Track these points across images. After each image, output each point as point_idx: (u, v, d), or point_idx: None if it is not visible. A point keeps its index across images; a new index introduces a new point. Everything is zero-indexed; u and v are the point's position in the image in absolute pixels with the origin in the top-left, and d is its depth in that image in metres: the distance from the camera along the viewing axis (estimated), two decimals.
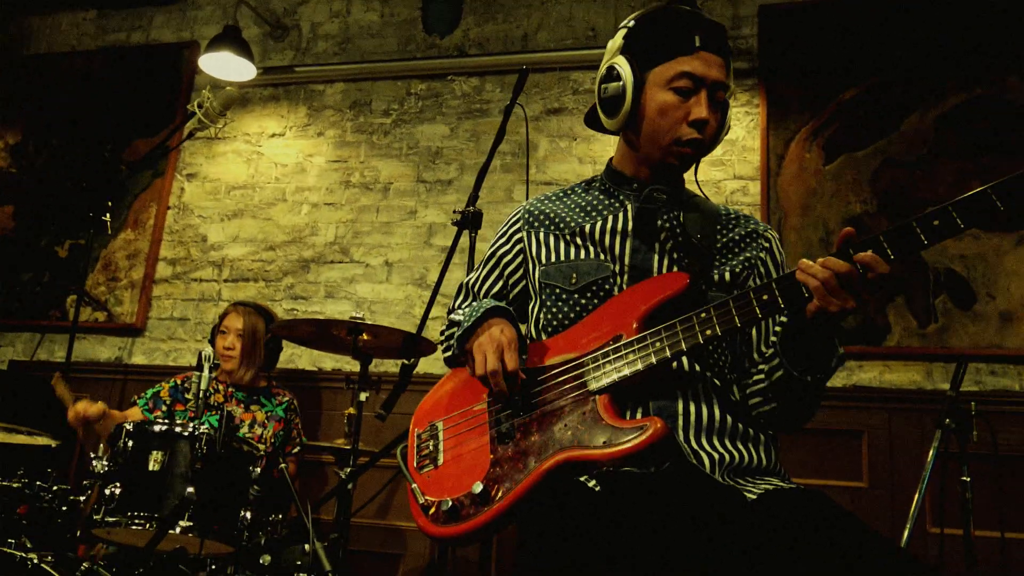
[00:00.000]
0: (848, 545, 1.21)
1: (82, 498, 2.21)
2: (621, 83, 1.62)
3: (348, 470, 2.53)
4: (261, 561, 2.17)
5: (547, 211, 1.77)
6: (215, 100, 3.14)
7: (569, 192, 1.82)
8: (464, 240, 3.77)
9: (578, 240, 1.68)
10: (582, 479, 1.43)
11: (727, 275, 1.60)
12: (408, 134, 4.04)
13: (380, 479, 3.24)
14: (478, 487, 1.46)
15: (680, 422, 1.46)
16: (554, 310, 1.65)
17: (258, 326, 3.32)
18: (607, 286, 1.61)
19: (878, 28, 3.53)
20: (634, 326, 1.52)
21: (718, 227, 1.67)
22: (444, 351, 1.80)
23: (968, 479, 2.36)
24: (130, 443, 2.19)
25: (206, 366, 2.24)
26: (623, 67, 1.62)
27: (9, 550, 2.10)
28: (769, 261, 1.66)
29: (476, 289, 1.83)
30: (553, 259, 1.69)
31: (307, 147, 4.18)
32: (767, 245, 1.67)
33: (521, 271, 1.77)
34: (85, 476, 2.25)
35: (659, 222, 1.64)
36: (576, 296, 1.63)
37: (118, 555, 2.58)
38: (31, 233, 4.46)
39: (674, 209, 1.66)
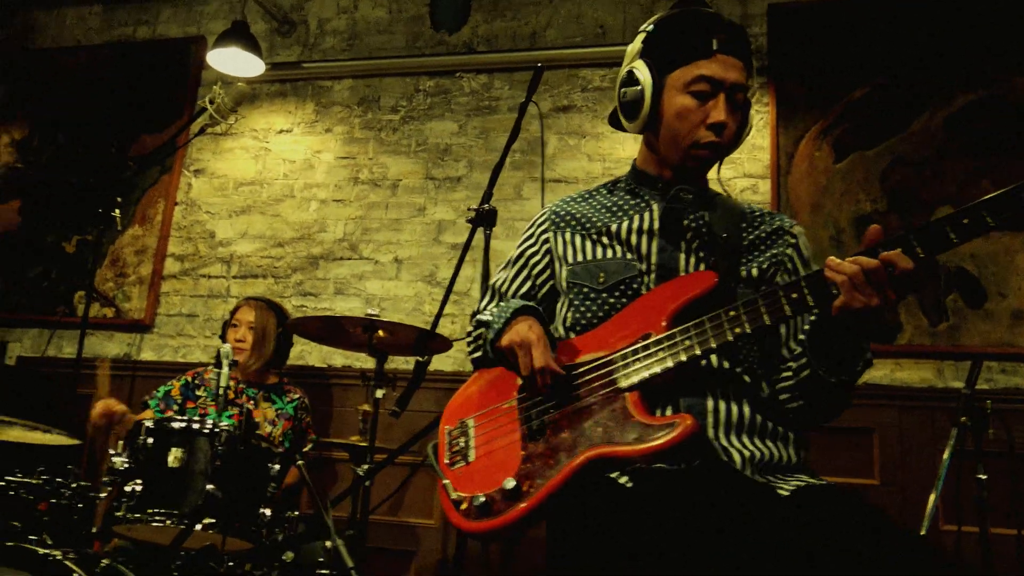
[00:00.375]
0: (882, 542, 1.23)
1: (102, 495, 2.21)
2: (640, 87, 1.64)
3: (366, 467, 2.54)
4: (284, 558, 2.18)
5: (573, 211, 1.79)
6: (226, 95, 3.13)
7: (594, 193, 1.84)
8: (476, 237, 3.78)
9: (605, 240, 1.70)
10: (612, 476, 1.45)
11: (754, 272, 1.61)
12: (417, 131, 4.05)
13: (393, 475, 3.24)
14: (510, 483, 1.48)
15: (710, 419, 1.48)
16: (582, 309, 1.67)
17: (269, 320, 3.33)
18: (635, 285, 1.63)
19: (887, 27, 3.54)
20: (663, 324, 1.53)
21: (743, 225, 1.69)
22: (471, 352, 1.81)
23: (984, 477, 2.38)
24: (150, 440, 2.19)
25: (225, 363, 2.25)
26: (642, 71, 1.65)
27: (31, 546, 2.10)
28: (796, 257, 1.68)
29: (504, 290, 1.84)
30: (580, 258, 1.71)
31: (315, 143, 4.18)
32: (793, 241, 1.69)
33: (549, 271, 1.79)
34: (100, 473, 2.26)
35: (685, 221, 1.65)
36: (604, 295, 1.65)
37: (130, 550, 2.59)
38: (38, 229, 4.45)
39: (699, 208, 1.68)
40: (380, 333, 2.72)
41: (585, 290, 1.67)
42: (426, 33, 4.16)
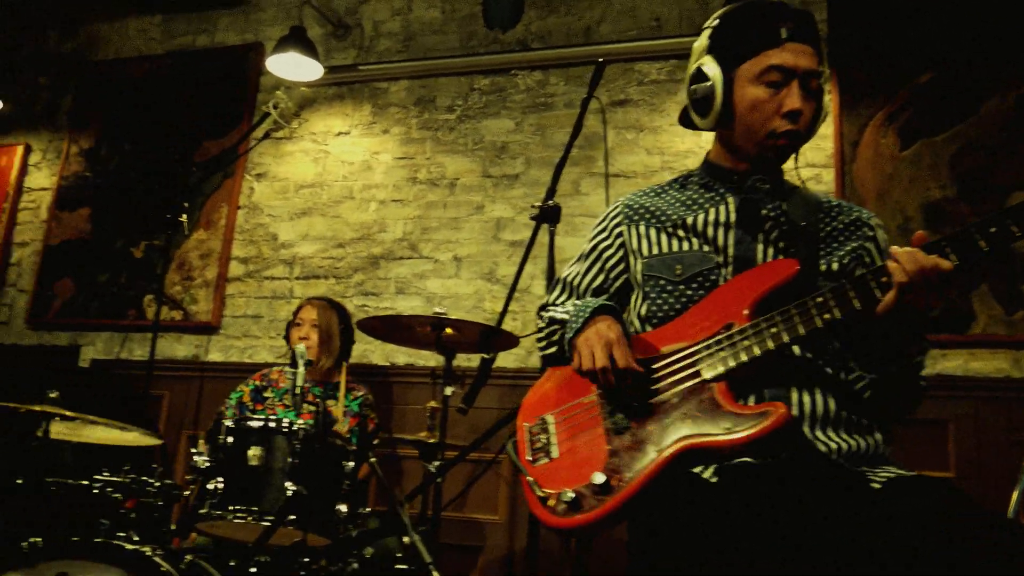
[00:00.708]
0: (986, 533, 1.21)
1: (186, 492, 2.28)
2: (710, 83, 1.63)
3: (437, 463, 2.56)
4: (364, 554, 2.21)
5: (646, 205, 1.79)
6: (289, 100, 3.19)
7: (665, 188, 1.84)
8: (528, 233, 3.78)
9: (680, 232, 1.69)
10: (696, 471, 1.44)
11: (834, 266, 1.59)
12: (473, 129, 4.07)
13: (457, 471, 3.28)
14: (599, 477, 1.47)
15: (795, 411, 1.46)
16: (659, 302, 1.66)
17: (332, 318, 3.40)
18: (712, 276, 1.62)
19: (951, 9, 3.46)
20: (744, 314, 1.52)
21: (821, 215, 1.67)
22: (544, 349, 1.81)
23: None
24: (230, 439, 2.25)
25: (301, 363, 2.29)
26: (711, 67, 1.64)
27: (120, 543, 2.17)
28: (875, 251, 1.66)
29: (576, 284, 1.84)
30: (656, 251, 1.70)
31: (373, 145, 4.23)
32: (871, 234, 1.67)
33: (623, 264, 1.79)
34: (173, 472, 2.33)
35: (763, 211, 1.64)
36: (681, 287, 1.64)
37: (208, 546, 2.66)
38: (107, 235, 4.58)
39: (776, 199, 1.66)
40: (448, 331, 2.74)
41: (662, 282, 1.67)
42: (480, 32, 4.18)
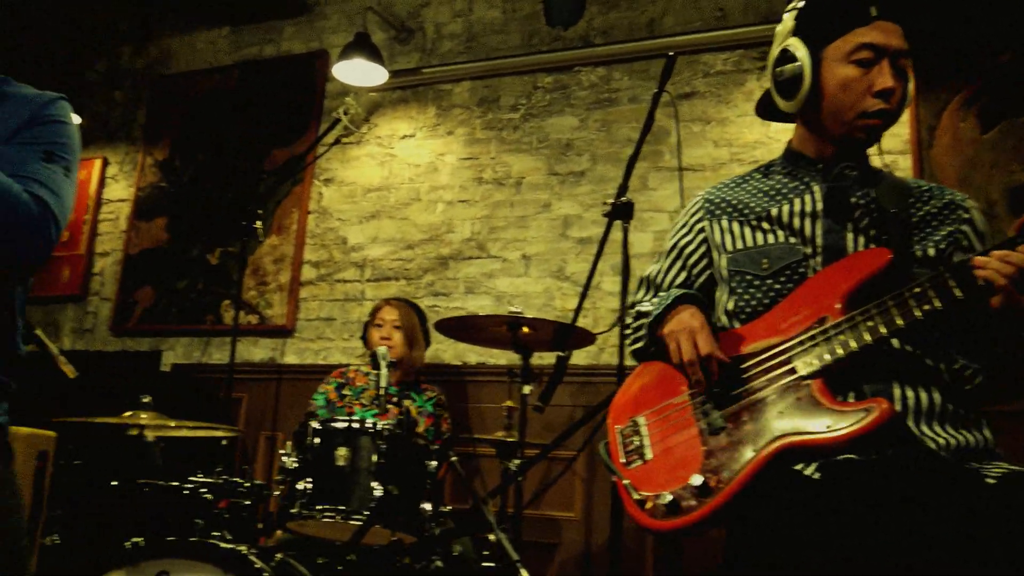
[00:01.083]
0: None
1: (275, 493, 2.34)
2: (798, 64, 1.62)
3: (517, 462, 2.58)
4: (453, 551, 2.24)
5: (728, 198, 1.77)
6: (359, 106, 3.24)
7: (747, 178, 1.81)
8: (596, 230, 3.78)
9: (765, 225, 1.67)
10: (798, 468, 1.42)
11: (930, 251, 1.55)
12: (538, 128, 4.08)
13: (533, 469, 3.29)
14: (697, 479, 1.47)
15: (898, 407, 1.43)
16: (746, 297, 1.65)
17: (413, 317, 3.44)
18: (801, 269, 1.60)
19: None
20: (837, 307, 1.50)
21: (911, 200, 1.64)
22: (631, 344, 1.82)
23: None
24: (316, 440, 2.30)
25: (383, 364, 2.33)
26: (798, 48, 1.62)
27: (216, 542, 2.24)
28: (972, 233, 1.61)
29: (659, 282, 1.84)
30: (740, 246, 1.69)
31: (438, 146, 4.27)
32: (967, 217, 1.62)
33: (705, 261, 1.77)
34: (263, 471, 2.39)
35: (852, 199, 1.61)
36: (769, 281, 1.62)
37: (296, 544, 2.72)
38: (183, 243, 4.72)
39: (864, 185, 1.64)
40: (524, 330, 2.76)
41: (748, 277, 1.65)
42: (542, 30, 4.19)
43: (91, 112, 5.17)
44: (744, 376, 1.56)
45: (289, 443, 2.37)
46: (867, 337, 1.42)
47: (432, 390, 3.45)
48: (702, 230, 1.78)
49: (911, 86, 1.66)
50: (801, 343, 1.50)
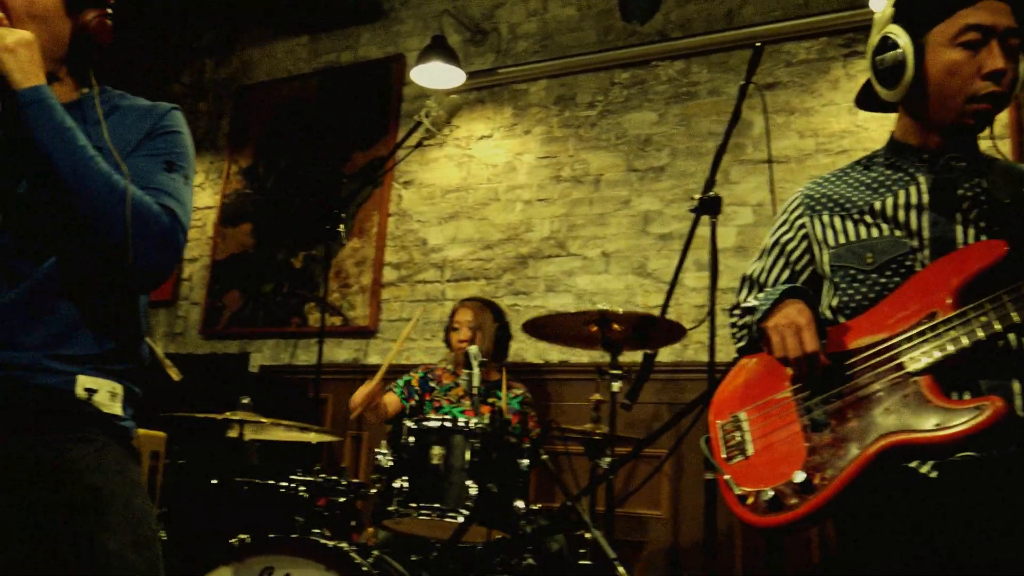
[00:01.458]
0: None
1: (372, 491, 2.38)
2: (900, 51, 1.57)
3: (607, 460, 2.58)
4: (550, 547, 2.26)
5: (828, 193, 1.73)
6: (441, 108, 3.27)
7: (848, 171, 1.77)
8: (677, 225, 3.74)
9: (868, 218, 1.63)
10: (912, 466, 1.39)
11: None
12: (615, 124, 4.06)
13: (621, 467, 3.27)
14: (799, 476, 1.45)
15: (1018, 402, 1.38)
16: (850, 292, 1.62)
17: (486, 317, 3.47)
18: (907, 263, 1.55)
19: None
20: (948, 301, 1.45)
21: None
22: (737, 342, 1.80)
23: None
24: (411, 439, 2.34)
25: (475, 363, 2.36)
26: (899, 35, 1.57)
27: (317, 539, 2.30)
28: None
29: (762, 281, 1.81)
30: (843, 240, 1.65)
31: (515, 146, 4.28)
32: None
33: (808, 257, 1.74)
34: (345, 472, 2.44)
35: (960, 190, 1.56)
36: (874, 276, 1.58)
37: (390, 542, 2.78)
38: (268, 248, 4.85)
39: (974, 175, 1.58)
40: (615, 326, 2.75)
41: (852, 272, 1.62)
42: (617, 26, 4.16)
43: None
44: (849, 372, 1.53)
45: (384, 442, 2.41)
46: (980, 333, 1.38)
47: (518, 388, 3.47)
48: (803, 226, 1.75)
49: (1022, 67, 1.60)
50: (909, 339, 1.46)
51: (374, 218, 4.55)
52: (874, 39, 1.65)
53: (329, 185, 4.74)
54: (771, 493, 1.48)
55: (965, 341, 1.39)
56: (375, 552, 2.40)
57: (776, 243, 1.80)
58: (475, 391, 2.33)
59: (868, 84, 1.72)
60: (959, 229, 1.54)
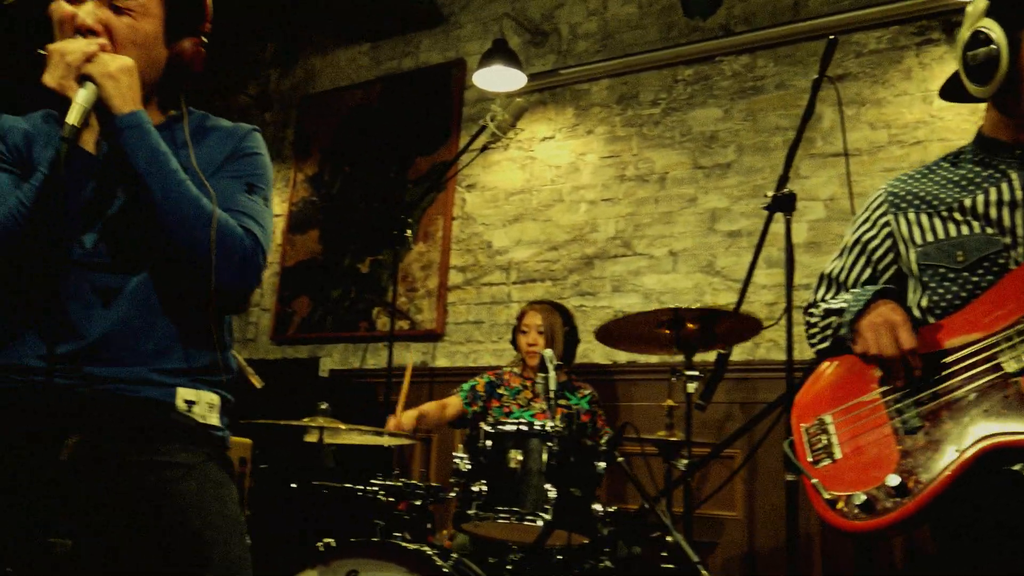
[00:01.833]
0: None
1: (451, 495, 2.41)
2: (993, 46, 1.53)
3: (684, 462, 2.56)
4: (631, 552, 2.25)
5: (914, 190, 1.70)
6: (506, 112, 3.29)
7: (934, 168, 1.74)
8: (746, 222, 3.69)
9: (958, 216, 1.60)
10: (1016, 468, 1.36)
11: None
12: (679, 121, 4.02)
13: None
14: (893, 479, 1.43)
15: None
16: (940, 291, 1.59)
17: (555, 320, 3.47)
18: (1000, 260, 1.52)
19: None
20: None
21: None
22: (818, 343, 1.77)
23: None
24: (488, 443, 2.35)
25: (551, 366, 2.36)
26: (993, 29, 1.54)
27: (398, 543, 2.33)
28: None
29: (842, 279, 1.78)
30: (931, 238, 1.62)
31: (578, 146, 4.28)
32: None
33: (891, 255, 1.71)
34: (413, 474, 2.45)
35: None
36: (965, 274, 1.56)
37: (467, 546, 2.80)
38: (335, 254, 4.93)
39: None
40: (689, 325, 2.73)
41: (941, 271, 1.59)
42: (679, 22, 4.12)
43: None
44: (942, 373, 1.50)
45: (460, 446, 2.43)
46: None
47: (586, 388, 3.47)
48: (887, 224, 1.72)
49: None
50: (1008, 339, 1.43)
51: (439, 222, 4.59)
52: (964, 33, 1.61)
53: (393, 191, 4.80)
54: (863, 497, 1.46)
55: None
56: (454, 555, 2.42)
57: (858, 241, 1.77)
58: (552, 394, 2.34)
59: (954, 76, 1.69)
60: None
